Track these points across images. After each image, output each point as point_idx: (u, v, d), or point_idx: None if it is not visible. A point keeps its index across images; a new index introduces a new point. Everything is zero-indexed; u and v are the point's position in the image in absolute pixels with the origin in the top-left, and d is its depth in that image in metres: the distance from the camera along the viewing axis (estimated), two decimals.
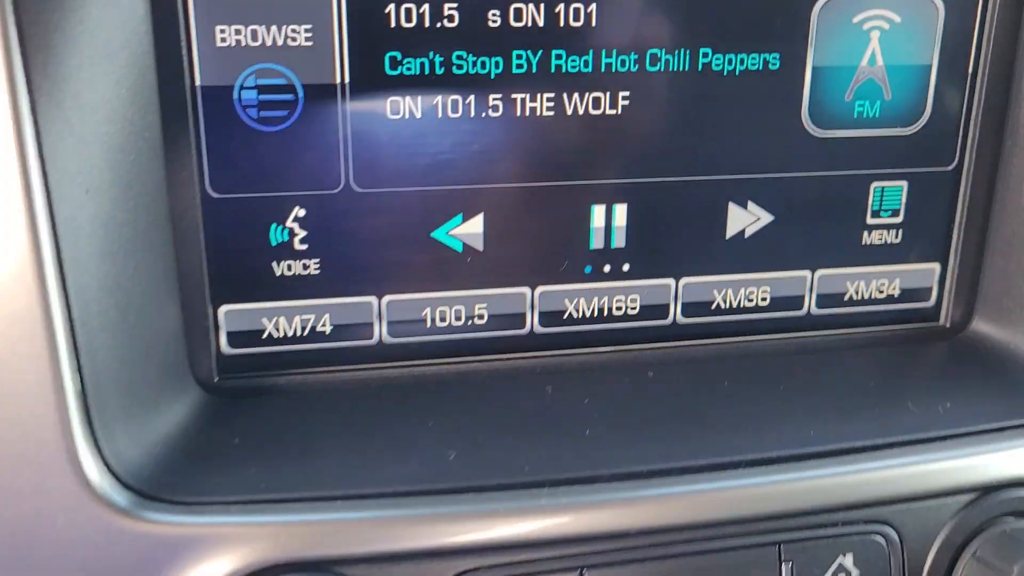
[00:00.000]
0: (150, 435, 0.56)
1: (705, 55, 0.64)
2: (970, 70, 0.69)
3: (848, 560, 0.59)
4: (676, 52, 0.63)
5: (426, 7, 0.59)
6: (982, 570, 0.58)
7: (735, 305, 0.70)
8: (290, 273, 0.63)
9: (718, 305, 0.70)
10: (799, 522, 0.58)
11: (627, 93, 0.64)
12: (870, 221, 0.71)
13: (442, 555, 0.54)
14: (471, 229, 0.65)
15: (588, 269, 0.67)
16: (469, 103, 0.62)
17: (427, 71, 0.60)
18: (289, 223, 0.62)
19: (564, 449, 0.59)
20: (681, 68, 0.64)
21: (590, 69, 0.63)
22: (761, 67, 0.65)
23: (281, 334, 0.64)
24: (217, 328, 0.63)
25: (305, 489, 0.54)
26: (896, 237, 0.72)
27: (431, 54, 0.60)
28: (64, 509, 0.51)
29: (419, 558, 0.54)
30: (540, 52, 0.62)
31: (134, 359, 0.56)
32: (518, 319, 0.67)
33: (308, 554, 0.52)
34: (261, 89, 0.59)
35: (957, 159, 0.71)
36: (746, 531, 0.57)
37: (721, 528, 0.57)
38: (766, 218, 0.69)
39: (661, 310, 0.69)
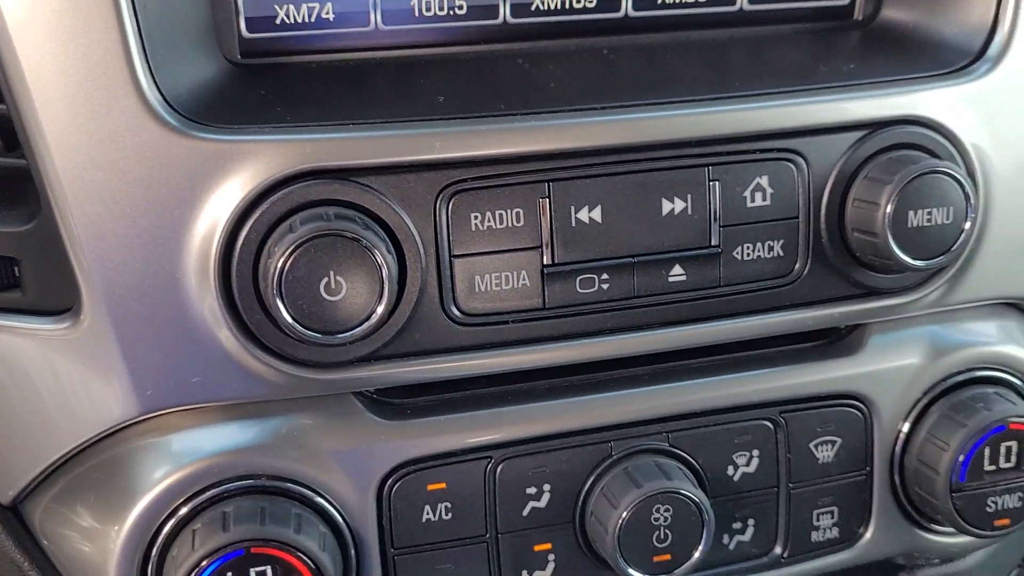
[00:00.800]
0: (192, 81, 0.68)
1: None
2: None
3: (764, 180, 0.72)
4: None
5: None
6: (871, 185, 0.72)
7: (678, 0, 0.82)
8: None
9: (663, 0, 0.82)
10: (724, 148, 0.71)
11: None
12: None
13: (435, 167, 0.67)
14: None
15: None
16: None
17: None
18: None
19: (534, 95, 0.71)
20: None
21: None
22: None
23: (291, 20, 0.76)
24: (238, 13, 0.74)
25: (324, 119, 0.67)
26: None
27: None
28: (130, 129, 0.64)
29: (416, 169, 0.67)
30: None
31: (175, 20, 0.67)
32: (492, 10, 0.79)
33: (328, 163, 0.65)
34: None
35: None
36: (681, 154, 0.71)
37: (661, 151, 0.70)
38: None
39: (614, 4, 0.81)
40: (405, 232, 0.67)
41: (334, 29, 0.77)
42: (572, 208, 0.70)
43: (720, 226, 0.72)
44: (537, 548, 0.75)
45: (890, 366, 0.79)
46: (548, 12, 0.80)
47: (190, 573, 0.64)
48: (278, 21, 0.76)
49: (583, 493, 0.74)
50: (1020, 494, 0.78)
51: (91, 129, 0.63)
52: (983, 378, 0.81)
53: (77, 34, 0.62)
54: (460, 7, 0.78)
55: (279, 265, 0.62)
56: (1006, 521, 0.79)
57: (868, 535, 0.82)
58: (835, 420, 0.79)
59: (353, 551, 0.71)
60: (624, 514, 0.71)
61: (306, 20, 0.76)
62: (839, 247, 0.74)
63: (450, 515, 0.73)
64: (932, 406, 0.80)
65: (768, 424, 0.77)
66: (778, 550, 0.80)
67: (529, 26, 0.80)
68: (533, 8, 0.80)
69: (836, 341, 0.81)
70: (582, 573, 0.76)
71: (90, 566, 0.71)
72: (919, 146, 0.74)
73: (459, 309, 0.70)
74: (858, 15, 0.85)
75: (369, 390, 0.73)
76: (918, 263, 0.71)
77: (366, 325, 0.64)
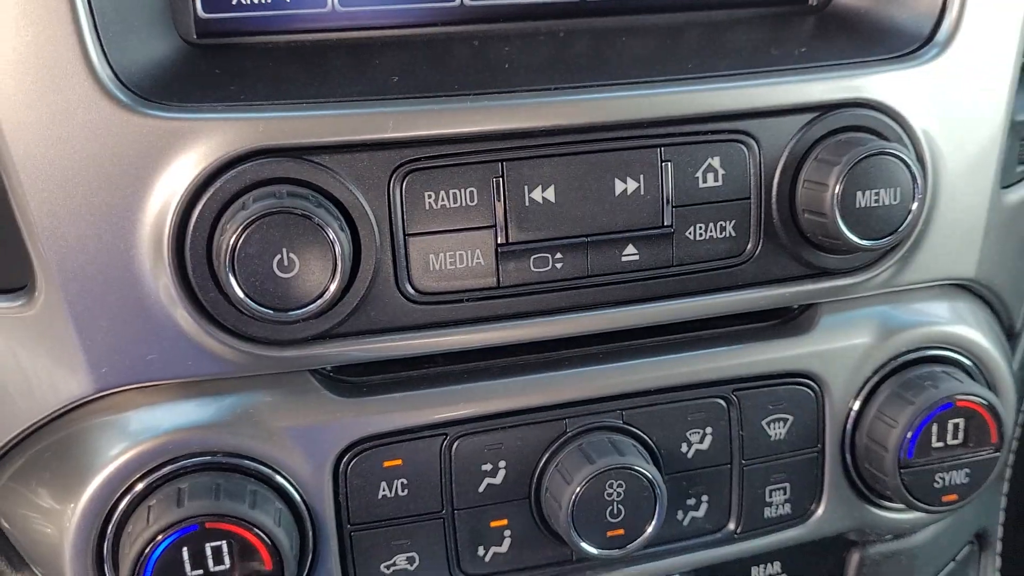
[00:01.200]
0: (146, 59, 0.68)
1: None
2: None
3: (716, 161, 0.73)
4: None
5: None
6: (821, 167, 0.73)
7: None
8: None
9: None
10: (677, 129, 0.72)
11: None
12: None
13: (388, 146, 0.68)
14: None
15: None
16: None
17: None
18: None
19: (489, 75, 0.72)
20: None
21: None
22: None
23: (248, 1, 0.76)
24: None
25: (278, 98, 0.67)
26: None
27: None
28: (81, 106, 0.64)
29: (370, 148, 0.67)
30: None
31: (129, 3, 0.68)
32: None
33: (281, 142, 0.66)
34: None
35: None
36: (634, 135, 0.71)
37: (614, 131, 0.71)
38: None
39: None
40: (359, 210, 0.67)
41: (291, 10, 0.77)
42: (526, 188, 0.70)
43: (672, 206, 0.73)
44: (493, 524, 0.76)
45: (841, 345, 0.80)
46: None
47: (145, 548, 0.65)
48: (234, 2, 0.76)
49: (538, 469, 0.75)
50: (967, 470, 0.80)
51: (43, 106, 0.63)
52: (932, 357, 0.82)
53: (28, 11, 0.62)
54: None
55: (231, 242, 0.63)
56: (954, 497, 0.80)
57: (820, 511, 0.83)
58: (787, 398, 0.80)
59: (310, 527, 0.72)
60: (577, 489, 0.72)
61: (263, 1, 0.76)
62: (790, 228, 0.76)
63: (406, 491, 0.73)
64: (882, 384, 0.81)
65: (721, 402, 0.78)
66: (731, 526, 0.81)
67: (486, 8, 0.81)
68: None
69: (788, 320, 0.82)
70: (538, 548, 0.77)
71: (48, 545, 0.71)
72: (868, 128, 0.75)
73: (414, 287, 0.70)
74: (812, 0, 0.87)
75: (325, 368, 0.74)
76: (865, 243, 0.72)
77: (319, 302, 0.64)
